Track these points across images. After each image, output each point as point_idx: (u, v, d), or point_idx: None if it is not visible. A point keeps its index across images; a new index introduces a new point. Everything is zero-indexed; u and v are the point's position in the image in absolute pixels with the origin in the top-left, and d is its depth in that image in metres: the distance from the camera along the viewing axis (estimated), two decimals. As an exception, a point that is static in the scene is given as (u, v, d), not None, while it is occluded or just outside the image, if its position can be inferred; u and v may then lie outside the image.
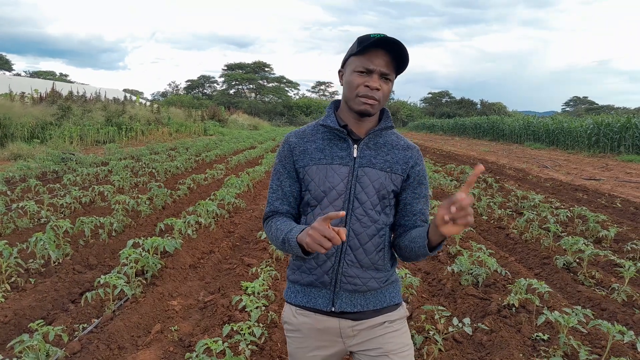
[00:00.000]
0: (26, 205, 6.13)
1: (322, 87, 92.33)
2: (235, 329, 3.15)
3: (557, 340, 3.36)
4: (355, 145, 1.66)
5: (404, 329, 1.74)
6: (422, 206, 1.73)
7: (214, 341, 2.81)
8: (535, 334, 3.59)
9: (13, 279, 4.44)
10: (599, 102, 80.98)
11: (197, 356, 2.78)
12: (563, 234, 6.29)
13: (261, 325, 3.30)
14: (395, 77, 1.64)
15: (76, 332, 3.61)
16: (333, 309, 1.66)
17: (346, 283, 1.64)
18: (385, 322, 1.70)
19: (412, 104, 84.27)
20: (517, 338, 3.50)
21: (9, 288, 4.29)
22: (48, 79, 51.54)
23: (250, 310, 3.44)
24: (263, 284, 3.96)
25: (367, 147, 1.67)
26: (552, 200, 9.19)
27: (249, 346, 3.10)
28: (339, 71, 1.71)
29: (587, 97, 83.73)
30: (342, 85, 1.68)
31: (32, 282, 4.48)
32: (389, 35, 1.53)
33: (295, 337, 1.76)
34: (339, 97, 1.78)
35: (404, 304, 1.80)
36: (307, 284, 1.69)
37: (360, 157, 1.65)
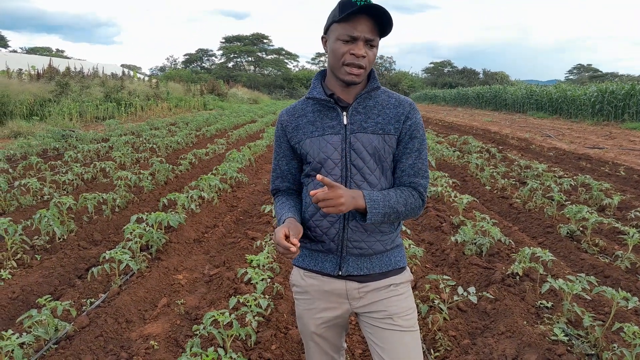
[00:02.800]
0: (29, 182, 6.12)
1: (322, 58, 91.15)
2: (241, 301, 3.17)
3: (561, 307, 3.39)
4: (345, 112, 1.66)
5: (408, 293, 1.77)
6: (413, 160, 1.68)
7: (220, 313, 2.83)
8: (539, 302, 3.61)
9: (19, 255, 4.47)
10: (602, 69, 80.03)
11: (204, 328, 2.80)
12: (567, 202, 6.28)
13: (267, 297, 3.32)
14: (379, 40, 1.62)
15: (84, 307, 3.65)
16: (340, 273, 1.70)
17: (352, 248, 1.67)
18: (390, 284, 1.72)
19: (413, 75, 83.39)
20: (521, 306, 3.52)
21: (15, 265, 4.32)
22: (44, 55, 50.99)
23: (256, 283, 3.46)
24: (268, 256, 3.97)
25: (356, 112, 1.66)
26: (556, 169, 9.15)
27: (256, 317, 3.13)
28: (322, 37, 1.69)
29: (590, 65, 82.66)
30: (326, 52, 1.66)
31: (38, 259, 4.51)
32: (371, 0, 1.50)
33: (303, 299, 1.80)
34: None
35: (408, 269, 1.82)
36: (315, 250, 1.74)
37: (351, 124, 1.65)
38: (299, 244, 1.50)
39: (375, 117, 1.66)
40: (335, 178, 1.64)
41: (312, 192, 1.48)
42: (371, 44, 1.58)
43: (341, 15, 1.52)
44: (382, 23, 1.55)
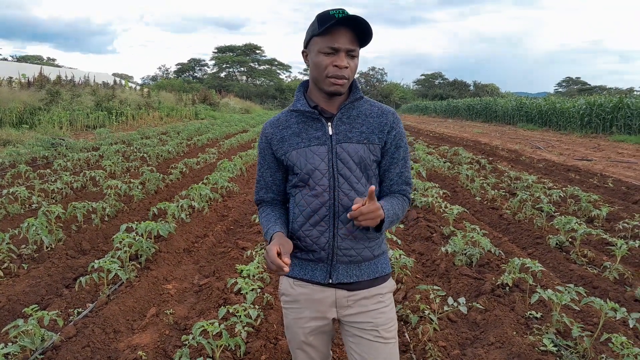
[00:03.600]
0: (17, 190, 6.07)
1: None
2: (231, 311, 3.16)
3: (550, 318, 3.40)
4: (329, 123, 1.69)
5: (391, 304, 1.81)
6: (400, 169, 1.76)
7: (210, 323, 2.81)
8: (529, 312, 3.62)
9: (5, 264, 4.41)
10: (591, 82, 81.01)
11: (193, 338, 2.77)
12: (556, 213, 6.33)
13: (257, 307, 3.31)
14: (359, 50, 1.64)
15: (71, 317, 3.60)
16: (330, 281, 1.72)
17: (342, 256, 1.70)
18: (378, 294, 1.75)
19: (405, 86, 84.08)
20: (511, 316, 3.53)
21: (1, 274, 4.26)
22: (35, 63, 50.75)
23: (246, 293, 3.44)
24: (258, 266, 3.96)
25: (341, 122, 1.69)
26: (545, 180, 9.23)
27: (245, 328, 3.11)
28: (303, 52, 1.70)
29: (579, 78, 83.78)
30: (307, 65, 1.69)
31: (25, 268, 4.45)
32: (347, 10, 1.54)
33: (292, 308, 1.81)
34: None
35: (391, 276, 1.87)
36: (305, 259, 1.75)
37: (336, 134, 1.67)
38: (290, 262, 1.52)
39: (359, 127, 1.69)
40: (323, 188, 1.66)
41: (355, 207, 1.48)
42: (352, 55, 1.60)
43: (321, 29, 1.54)
44: (362, 33, 1.58)
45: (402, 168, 1.76)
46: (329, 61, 1.58)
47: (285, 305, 1.85)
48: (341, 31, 1.56)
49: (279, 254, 1.53)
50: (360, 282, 1.72)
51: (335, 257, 1.69)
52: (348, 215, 1.51)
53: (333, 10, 1.55)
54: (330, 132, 1.67)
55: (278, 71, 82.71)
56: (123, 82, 37.15)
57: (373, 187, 1.47)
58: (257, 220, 5.62)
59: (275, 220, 1.75)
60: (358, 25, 1.55)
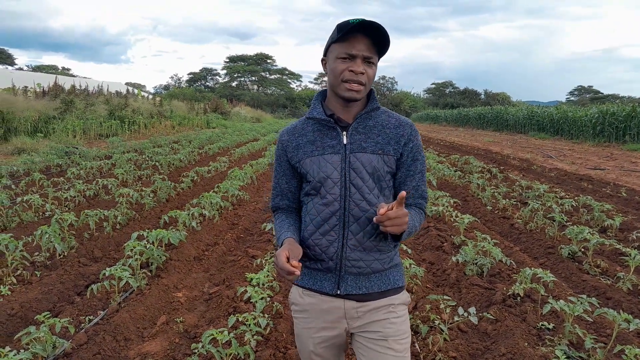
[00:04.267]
0: (31, 198, 6.15)
1: (325, 78, 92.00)
2: (240, 319, 3.16)
3: (563, 329, 3.36)
4: (345, 132, 1.68)
5: (405, 316, 1.77)
6: (417, 182, 1.74)
7: (219, 332, 2.82)
8: (541, 323, 3.58)
9: (19, 272, 4.46)
10: (603, 91, 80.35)
11: (203, 347, 2.78)
12: (568, 223, 6.26)
13: (266, 316, 3.31)
14: (378, 60, 1.65)
15: (82, 324, 3.63)
16: (338, 292, 1.70)
17: (350, 267, 1.68)
18: (389, 304, 1.72)
19: (415, 95, 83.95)
20: (523, 327, 3.49)
21: (15, 281, 4.31)
22: (50, 73, 51.56)
23: (256, 301, 3.45)
24: (268, 275, 3.96)
25: (356, 132, 1.68)
26: (557, 190, 9.15)
27: (255, 337, 3.11)
28: (322, 60, 1.73)
29: (592, 86, 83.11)
30: (326, 73, 1.70)
31: (38, 275, 4.50)
32: (367, 19, 1.54)
33: (302, 317, 1.80)
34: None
35: (405, 290, 1.82)
36: (314, 268, 1.74)
37: (351, 143, 1.67)
38: (300, 265, 1.52)
39: (375, 137, 1.68)
40: (334, 197, 1.66)
41: (382, 212, 1.44)
42: (369, 62, 1.60)
43: (339, 35, 1.56)
44: (379, 41, 1.58)
45: (419, 181, 1.74)
46: (345, 66, 1.59)
47: (295, 314, 1.84)
48: (358, 38, 1.56)
49: (287, 259, 1.52)
50: (370, 293, 1.70)
51: (344, 268, 1.68)
52: (375, 219, 1.49)
53: (352, 19, 1.55)
54: (345, 141, 1.67)
55: (289, 80, 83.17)
56: (136, 91, 37.57)
57: (404, 193, 1.44)
58: (267, 229, 5.64)
59: (287, 226, 1.75)
60: (375, 33, 1.55)
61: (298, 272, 1.48)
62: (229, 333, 2.86)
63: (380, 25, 1.53)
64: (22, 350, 2.85)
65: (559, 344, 3.23)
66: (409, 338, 1.76)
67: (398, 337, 1.71)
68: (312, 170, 1.68)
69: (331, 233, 1.67)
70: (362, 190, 1.65)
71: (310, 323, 1.76)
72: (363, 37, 1.57)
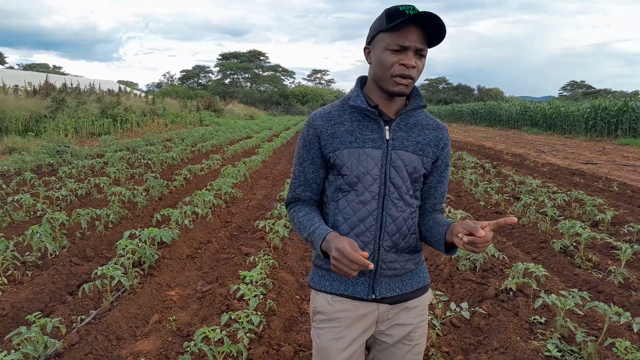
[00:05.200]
0: (22, 198, 6.10)
1: (318, 75, 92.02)
2: (233, 317, 3.15)
3: (554, 322, 3.38)
4: (387, 127, 1.58)
5: (427, 319, 1.75)
6: (444, 188, 1.71)
7: (212, 330, 2.81)
8: (533, 317, 3.60)
9: (10, 272, 4.43)
10: (596, 85, 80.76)
11: (195, 345, 2.77)
12: (560, 218, 6.29)
13: (259, 313, 3.30)
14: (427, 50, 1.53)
15: (74, 324, 3.61)
16: (374, 296, 1.61)
17: (386, 269, 1.60)
18: (417, 307, 1.68)
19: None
20: (515, 321, 3.51)
21: (6, 281, 4.28)
22: (41, 71, 51.17)
23: (249, 299, 3.44)
24: (261, 272, 3.96)
25: (398, 128, 1.59)
26: (550, 184, 9.20)
27: (247, 334, 3.11)
28: (365, 48, 1.60)
29: (584, 81, 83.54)
30: (369, 63, 1.58)
31: (29, 275, 4.47)
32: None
33: (329, 327, 1.64)
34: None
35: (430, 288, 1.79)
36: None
37: (393, 140, 1.57)
38: (367, 254, 1.35)
39: (415, 137, 1.61)
40: (372, 195, 1.56)
41: (481, 235, 1.32)
42: (421, 54, 1.50)
43: (390, 25, 1.45)
44: (434, 32, 1.47)
45: (445, 187, 1.71)
46: (395, 59, 1.47)
47: (321, 324, 1.66)
48: (412, 29, 1.45)
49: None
50: (404, 294, 1.64)
51: (379, 271, 1.59)
52: (465, 239, 1.35)
53: (403, 6, 1.44)
54: (387, 137, 1.57)
55: (282, 77, 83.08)
56: (128, 89, 37.37)
57: (515, 219, 1.35)
58: (260, 226, 5.62)
59: (319, 219, 1.58)
60: (431, 24, 1.44)
61: (372, 265, 1.32)
62: (221, 331, 2.85)
63: (436, 16, 1.41)
64: (12, 351, 2.83)
65: (551, 338, 3.25)
66: (425, 340, 1.74)
67: (420, 341, 1.69)
68: (350, 164, 1.55)
69: (367, 234, 1.57)
70: (401, 190, 1.58)
71: (341, 332, 1.62)
72: (416, 28, 1.45)
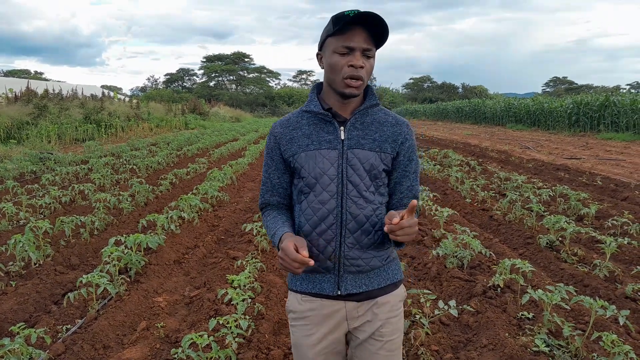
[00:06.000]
0: (4, 207, 5.99)
1: (304, 76, 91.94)
2: (221, 322, 3.12)
3: (542, 318, 3.40)
4: (342, 127, 1.63)
5: (401, 315, 1.76)
6: (411, 182, 1.72)
7: (199, 335, 2.78)
8: (521, 313, 3.63)
9: (-7, 282, 4.35)
10: (578, 81, 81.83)
11: (182, 352, 2.74)
12: (546, 213, 6.36)
13: (248, 317, 3.28)
14: (376, 50, 1.60)
15: (60, 334, 3.55)
16: (339, 293, 1.65)
17: (349, 266, 1.64)
18: (388, 302, 1.70)
19: (394, 91, 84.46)
20: (503, 318, 3.53)
21: (-12, 292, 4.20)
22: (23, 77, 50.42)
23: (237, 303, 3.41)
24: (249, 276, 3.93)
25: (354, 127, 1.64)
26: (535, 180, 9.28)
27: (236, 339, 3.08)
28: (317, 54, 1.67)
29: (566, 77, 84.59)
30: (322, 68, 1.64)
31: (13, 285, 4.39)
32: (362, 9, 1.49)
33: (301, 325, 1.72)
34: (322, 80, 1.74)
35: (402, 284, 1.81)
36: (311, 270, 1.67)
37: (349, 139, 1.62)
38: (308, 254, 1.47)
39: (372, 134, 1.65)
40: (331, 194, 1.61)
41: (395, 222, 1.39)
42: (368, 55, 1.56)
43: (335, 28, 1.51)
44: (378, 31, 1.53)
45: (413, 181, 1.72)
46: (344, 61, 1.53)
47: (293, 322, 1.76)
48: (356, 30, 1.51)
49: (296, 250, 1.46)
50: (371, 291, 1.67)
51: (343, 267, 1.64)
52: (386, 228, 1.43)
53: (348, 10, 1.50)
54: (343, 137, 1.62)
55: (267, 79, 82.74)
56: (112, 94, 36.98)
57: (415, 202, 1.41)
58: (247, 229, 5.59)
59: (282, 222, 1.68)
60: (373, 23, 1.50)
61: (312, 262, 1.43)
62: (209, 336, 2.82)
63: (378, 15, 1.47)
64: (-4, 364, 2.78)
65: (539, 333, 3.27)
66: (401, 335, 1.76)
67: (393, 337, 1.71)
68: (308, 165, 1.62)
69: (328, 232, 1.62)
70: (360, 188, 1.62)
71: (311, 330, 1.70)
72: (361, 29, 1.52)
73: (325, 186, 1.61)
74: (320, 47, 1.64)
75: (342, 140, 1.62)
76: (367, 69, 1.56)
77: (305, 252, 1.45)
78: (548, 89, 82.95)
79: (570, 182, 9.42)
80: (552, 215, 5.47)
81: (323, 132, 1.64)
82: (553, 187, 7.94)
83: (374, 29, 1.52)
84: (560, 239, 5.34)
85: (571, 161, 12.78)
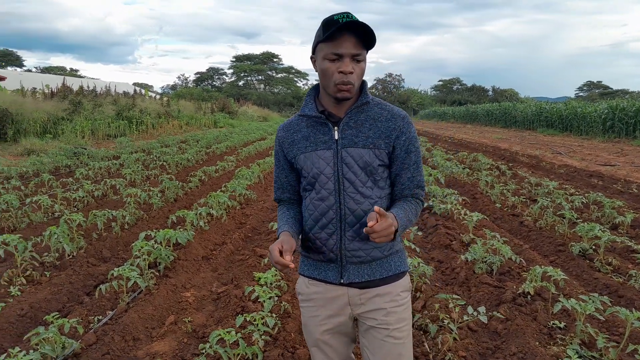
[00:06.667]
0: (40, 199, 6.18)
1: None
2: (248, 319, 3.15)
3: (574, 328, 3.32)
4: (336, 127, 1.71)
5: (407, 304, 1.81)
6: (412, 174, 1.76)
7: (227, 332, 2.81)
8: (552, 322, 3.54)
9: (28, 272, 4.49)
10: (613, 86, 79.46)
11: (210, 347, 2.77)
12: (578, 220, 6.19)
13: (274, 315, 3.30)
14: (367, 53, 1.65)
15: (91, 324, 3.64)
16: (342, 281, 1.75)
17: (351, 257, 1.73)
18: (390, 292, 1.76)
19: (422, 92, 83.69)
20: (533, 326, 3.45)
21: (24, 281, 4.33)
22: (59, 74, 51.90)
23: (263, 301, 3.44)
24: (275, 274, 3.95)
25: (347, 126, 1.71)
26: (567, 186, 9.06)
27: (263, 336, 3.10)
28: (311, 57, 1.73)
29: (601, 82, 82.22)
30: (316, 71, 1.71)
31: (47, 276, 4.52)
32: (352, 13, 1.56)
33: (308, 306, 1.85)
34: None
35: (408, 275, 1.86)
36: (317, 259, 1.80)
37: (342, 138, 1.70)
38: (291, 258, 1.57)
39: (366, 131, 1.70)
40: (329, 192, 1.71)
41: (370, 224, 1.48)
42: (357, 59, 1.61)
43: (325, 35, 1.56)
44: (365, 37, 1.58)
45: (414, 172, 1.76)
46: (334, 67, 1.60)
47: (302, 303, 1.88)
48: (344, 36, 1.56)
49: (281, 253, 1.58)
50: (372, 280, 1.75)
51: (345, 258, 1.73)
52: (364, 230, 1.51)
53: (337, 14, 1.56)
54: (336, 137, 1.70)
55: (295, 79, 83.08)
56: (143, 91, 37.69)
57: (377, 208, 1.48)
58: (274, 228, 5.63)
59: (286, 219, 1.81)
60: (361, 30, 1.56)
61: (292, 265, 1.53)
62: (236, 333, 2.85)
63: (364, 23, 1.53)
64: (31, 351, 2.86)
65: (571, 343, 3.19)
66: (409, 325, 1.81)
67: (399, 325, 1.76)
68: (306, 166, 1.73)
69: (329, 226, 1.72)
70: (356, 184, 1.69)
71: (316, 311, 1.81)
72: (349, 35, 1.57)
73: (323, 184, 1.71)
74: (313, 52, 1.70)
75: (336, 139, 1.70)
76: (358, 72, 1.63)
77: (288, 257, 1.56)
78: (582, 93, 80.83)
79: (604, 189, 9.16)
80: (585, 223, 5.33)
81: (319, 134, 1.73)
82: (586, 194, 7.74)
83: (361, 34, 1.58)
84: (593, 247, 5.20)
85: (605, 168, 12.42)
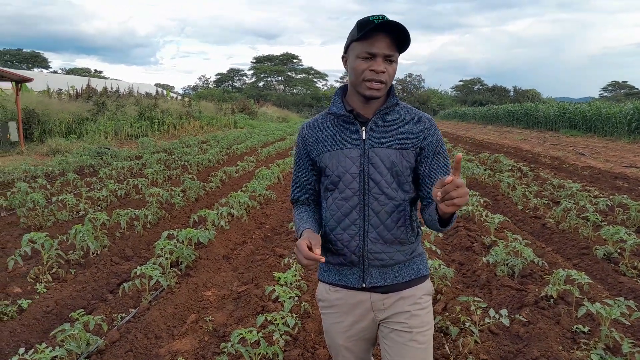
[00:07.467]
0: (65, 198, 6.32)
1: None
2: (269, 319, 3.17)
3: (599, 332, 3.26)
4: (363, 127, 1.70)
5: (428, 307, 1.78)
6: (441, 175, 1.72)
7: (248, 331, 2.83)
8: (575, 326, 3.48)
9: (54, 269, 4.59)
10: (639, 86, 77.48)
11: (232, 346, 2.80)
12: (603, 223, 6.07)
13: (294, 315, 3.31)
14: (399, 56, 1.65)
15: (115, 322, 3.71)
16: (364, 285, 1.72)
17: (373, 259, 1.70)
18: (413, 295, 1.74)
19: (443, 93, 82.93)
20: (556, 330, 3.40)
21: (50, 279, 4.43)
22: (83, 75, 52.90)
23: (284, 301, 3.45)
24: (295, 274, 3.97)
25: (375, 127, 1.70)
26: (590, 188, 8.89)
27: (283, 336, 3.12)
28: (343, 57, 1.74)
29: (626, 82, 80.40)
30: (347, 71, 1.71)
31: (72, 273, 4.62)
32: (388, 18, 1.55)
33: (329, 313, 1.82)
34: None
35: (429, 279, 1.84)
36: (338, 263, 1.76)
37: (370, 138, 1.69)
38: (320, 252, 1.54)
39: (393, 132, 1.70)
40: (353, 192, 1.69)
41: (449, 180, 1.29)
42: (390, 60, 1.61)
43: (360, 34, 1.56)
44: (400, 39, 1.59)
45: (444, 174, 1.73)
46: (365, 65, 1.59)
47: (323, 310, 1.86)
48: (379, 36, 1.57)
49: (309, 248, 1.54)
50: (395, 284, 1.72)
51: (367, 261, 1.70)
52: (438, 194, 1.33)
53: (373, 16, 1.56)
54: (364, 137, 1.69)
55: (315, 80, 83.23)
56: (165, 92, 38.20)
57: (460, 155, 1.29)
58: (293, 228, 5.66)
59: (307, 218, 1.78)
60: (396, 31, 1.56)
61: (323, 259, 1.51)
62: (257, 332, 2.87)
63: (400, 24, 1.53)
64: (57, 347, 2.93)
65: (595, 348, 3.13)
66: (431, 329, 1.78)
67: (421, 329, 1.73)
68: (331, 165, 1.71)
69: (352, 227, 1.70)
70: (381, 185, 1.68)
71: (339, 318, 1.79)
72: (384, 36, 1.57)
73: (348, 184, 1.69)
74: (346, 51, 1.71)
75: (364, 139, 1.69)
76: (390, 73, 1.62)
77: (317, 250, 1.52)
78: (606, 94, 79.18)
79: (629, 191, 8.96)
80: (610, 226, 5.22)
81: (346, 133, 1.72)
82: (611, 197, 7.59)
83: (396, 35, 1.57)
84: (619, 250, 5.09)
85: (630, 170, 12.15)
